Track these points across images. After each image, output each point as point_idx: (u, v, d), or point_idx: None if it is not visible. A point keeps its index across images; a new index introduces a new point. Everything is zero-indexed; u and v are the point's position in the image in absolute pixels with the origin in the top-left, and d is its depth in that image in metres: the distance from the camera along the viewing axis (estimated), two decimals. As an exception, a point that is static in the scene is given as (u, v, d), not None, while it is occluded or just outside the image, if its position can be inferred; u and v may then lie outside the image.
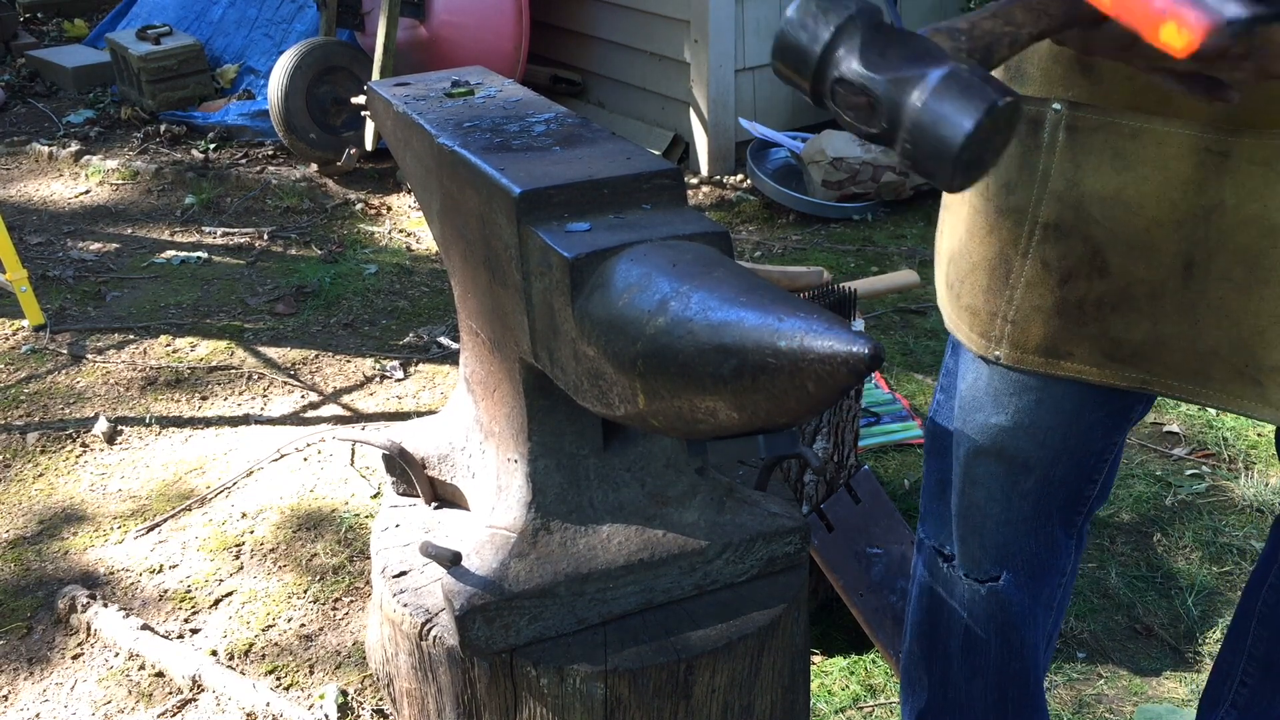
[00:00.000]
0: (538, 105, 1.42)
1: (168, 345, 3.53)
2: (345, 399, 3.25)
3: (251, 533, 2.69)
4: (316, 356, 3.48)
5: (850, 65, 0.92)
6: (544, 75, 5.17)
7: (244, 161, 4.96)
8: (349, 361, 3.45)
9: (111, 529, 2.71)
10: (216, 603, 2.47)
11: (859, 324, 2.50)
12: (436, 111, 1.39)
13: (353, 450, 2.98)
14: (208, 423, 3.15)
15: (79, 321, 3.69)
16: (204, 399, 3.26)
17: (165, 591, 2.50)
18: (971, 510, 1.45)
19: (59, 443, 3.05)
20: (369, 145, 4.71)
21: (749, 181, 4.60)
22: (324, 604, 2.46)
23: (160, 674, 2.25)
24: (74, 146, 5.05)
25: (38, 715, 2.19)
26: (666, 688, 1.22)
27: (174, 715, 2.17)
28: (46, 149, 5.05)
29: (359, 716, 2.17)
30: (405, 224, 4.44)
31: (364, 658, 2.30)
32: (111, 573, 2.56)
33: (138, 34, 5.42)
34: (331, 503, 2.79)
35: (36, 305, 3.61)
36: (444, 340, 3.54)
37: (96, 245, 4.26)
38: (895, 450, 2.93)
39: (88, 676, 2.27)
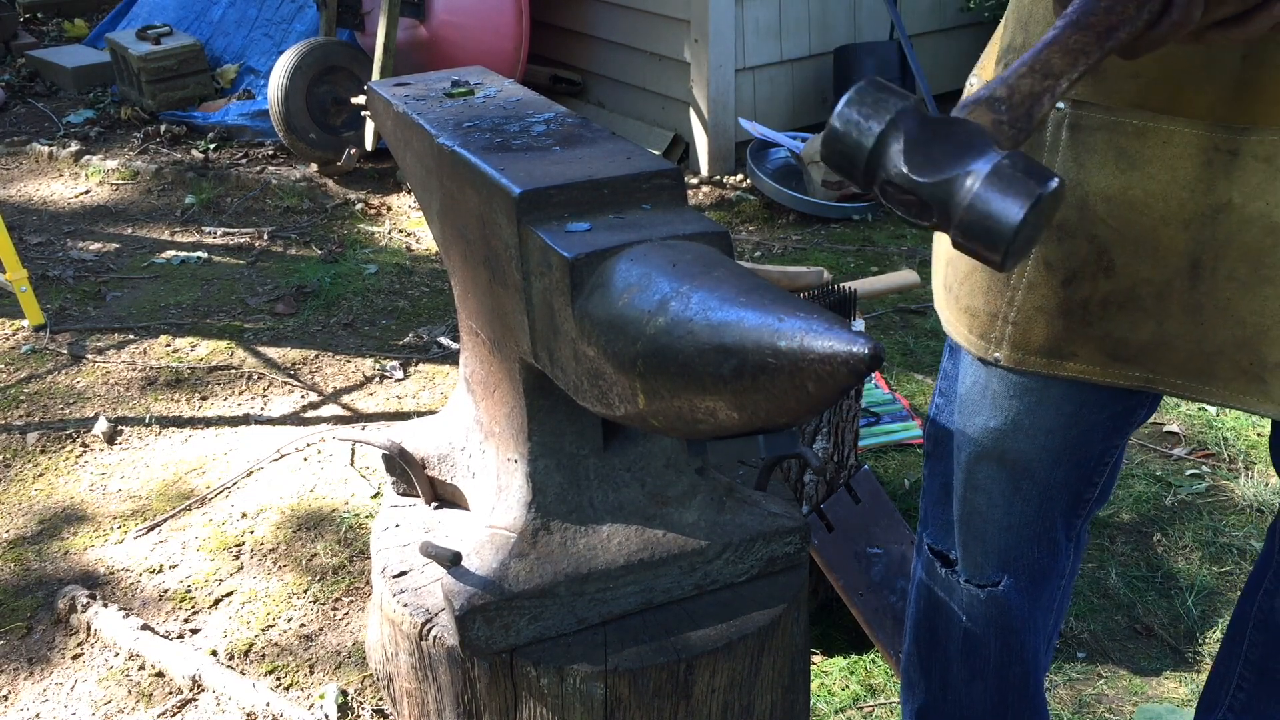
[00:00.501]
0: (538, 105, 1.42)
1: (168, 345, 3.53)
2: (345, 399, 3.25)
3: (251, 533, 2.69)
4: (316, 356, 3.48)
5: (897, 168, 0.94)
6: (544, 75, 5.17)
7: (244, 161, 4.96)
8: (349, 361, 3.45)
9: (111, 529, 2.71)
10: (216, 603, 2.47)
11: (859, 324, 2.50)
12: (436, 111, 1.39)
13: (353, 450, 2.98)
14: (208, 423, 3.15)
15: (79, 321, 3.69)
16: (204, 399, 3.26)
17: (165, 591, 2.50)
18: (973, 516, 1.45)
19: (59, 443, 3.05)
20: (369, 145, 4.71)
21: (749, 181, 4.60)
22: (324, 604, 2.46)
23: (160, 674, 2.25)
24: (74, 146, 5.05)
25: (38, 715, 2.19)
26: (666, 688, 1.22)
27: (174, 715, 2.17)
28: (46, 149, 5.05)
29: (359, 716, 2.17)
30: (405, 224, 4.44)
31: (364, 658, 2.30)
32: (111, 573, 2.56)
33: (138, 34, 5.42)
34: (331, 503, 2.79)
35: (36, 305, 3.61)
36: (444, 340, 3.54)
37: (96, 245, 4.26)
38: (895, 450, 2.93)
39: (88, 676, 2.27)
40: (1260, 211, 1.12)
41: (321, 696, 2.20)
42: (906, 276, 2.87)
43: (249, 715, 2.14)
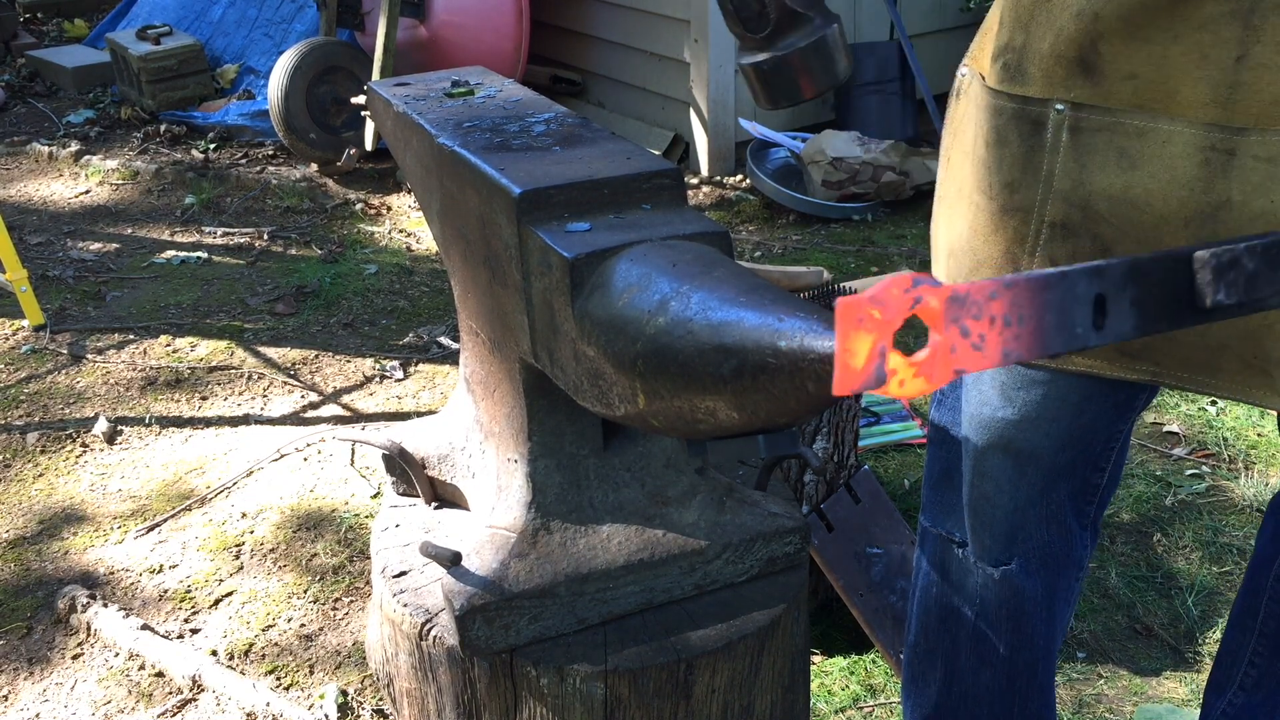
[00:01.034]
0: (538, 105, 1.42)
1: (168, 345, 3.53)
2: (345, 399, 3.25)
3: (251, 533, 2.69)
4: (316, 356, 3.48)
5: None
6: (544, 75, 5.17)
7: (244, 161, 4.96)
8: (349, 361, 3.45)
9: (111, 529, 2.71)
10: (216, 603, 2.47)
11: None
12: (436, 111, 1.39)
13: (353, 450, 2.98)
14: (208, 423, 3.15)
15: (79, 321, 3.69)
16: (204, 399, 3.26)
17: (165, 591, 2.50)
18: (981, 502, 1.46)
19: (59, 443, 3.05)
20: (369, 145, 4.71)
21: (749, 181, 4.60)
22: (324, 604, 2.46)
23: (160, 674, 2.25)
24: (74, 146, 5.05)
25: (38, 715, 2.19)
26: (666, 688, 1.22)
27: (174, 715, 2.17)
28: (46, 149, 5.05)
29: (359, 716, 2.17)
30: (405, 224, 4.44)
31: (364, 658, 2.30)
32: (111, 573, 2.56)
33: (138, 34, 5.42)
34: (331, 503, 2.79)
35: (36, 305, 3.61)
36: (444, 340, 3.54)
37: (96, 245, 4.26)
38: (895, 450, 2.93)
39: (88, 676, 2.27)
40: (1263, 209, 1.12)
41: (321, 696, 2.20)
42: (906, 276, 2.87)
43: (249, 715, 2.14)
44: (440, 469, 1.45)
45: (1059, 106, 1.18)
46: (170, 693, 2.22)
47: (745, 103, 4.75)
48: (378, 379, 3.35)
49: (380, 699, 2.19)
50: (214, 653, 2.32)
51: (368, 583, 2.52)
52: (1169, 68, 1.11)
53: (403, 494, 1.52)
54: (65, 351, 3.50)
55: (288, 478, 2.89)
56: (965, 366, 0.68)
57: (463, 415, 1.43)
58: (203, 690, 2.20)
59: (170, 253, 4.18)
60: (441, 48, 4.73)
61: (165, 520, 2.73)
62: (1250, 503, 2.70)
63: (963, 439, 1.46)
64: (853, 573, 2.22)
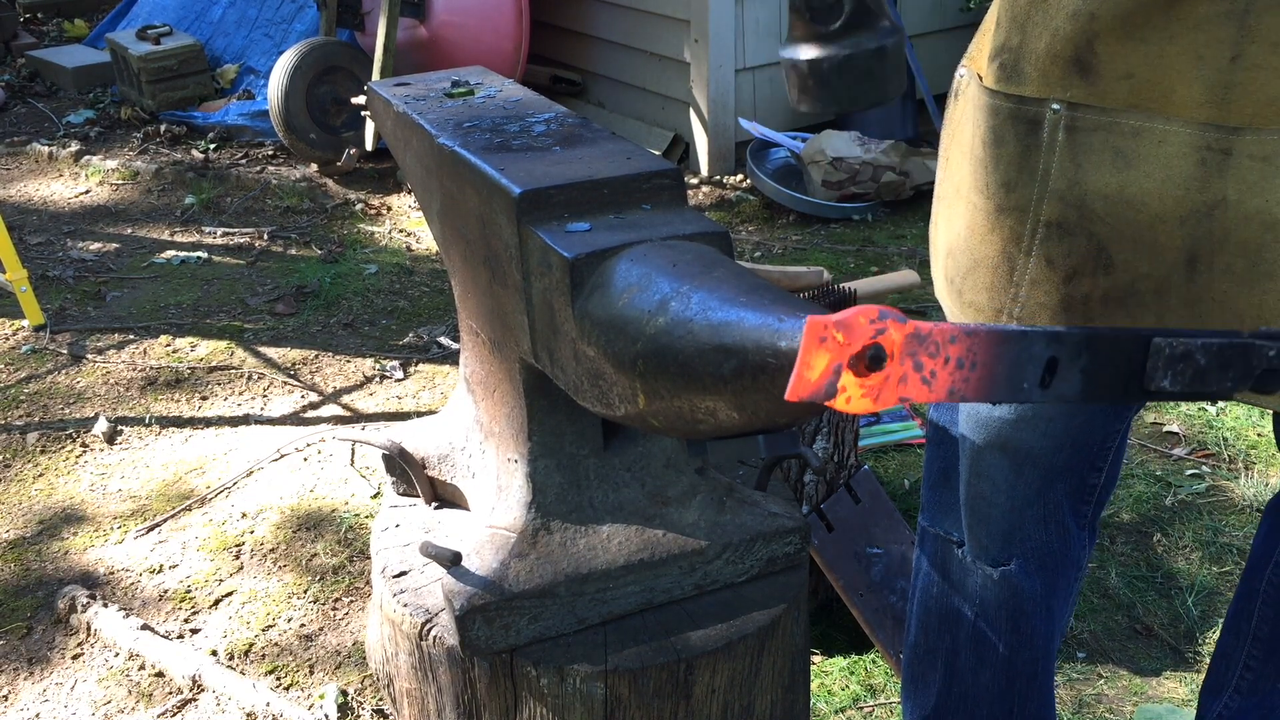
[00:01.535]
0: (538, 105, 1.42)
1: (168, 345, 3.53)
2: (345, 399, 3.25)
3: (251, 533, 2.69)
4: (316, 356, 3.48)
5: None
6: (544, 75, 5.17)
7: (244, 161, 4.96)
8: (349, 361, 3.45)
9: (111, 529, 2.71)
10: (216, 603, 2.47)
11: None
12: (436, 111, 1.39)
13: (353, 450, 2.98)
14: (208, 423, 3.15)
15: (79, 321, 3.69)
16: (204, 399, 3.26)
17: (165, 591, 2.50)
18: (979, 502, 1.47)
19: (59, 443, 3.05)
20: (369, 145, 4.71)
21: (749, 181, 4.60)
22: (324, 604, 2.46)
23: (160, 674, 2.25)
24: (74, 146, 5.05)
25: (38, 715, 2.19)
26: (666, 688, 1.22)
27: (174, 715, 2.17)
28: (46, 149, 5.05)
29: (359, 716, 2.17)
30: (405, 224, 4.44)
31: (364, 658, 2.30)
32: (111, 573, 2.56)
33: (138, 34, 5.42)
34: (331, 503, 2.79)
35: (36, 305, 3.61)
36: (444, 340, 3.54)
37: (96, 245, 4.26)
38: (895, 450, 2.93)
39: (88, 676, 2.27)
40: (1258, 208, 1.13)
41: (321, 696, 2.20)
42: (906, 276, 2.87)
43: (249, 715, 2.14)
44: (440, 469, 1.45)
45: (1055, 106, 1.19)
46: (170, 693, 2.22)
47: (745, 103, 4.76)
48: (378, 379, 3.35)
49: (380, 699, 2.19)
50: (214, 653, 2.32)
51: (368, 583, 2.52)
52: (1165, 67, 1.12)
53: (403, 494, 1.52)
54: (65, 351, 3.50)
55: (288, 478, 2.89)
56: (911, 397, 0.72)
57: (463, 415, 1.43)
58: (203, 690, 2.20)
59: (170, 253, 4.18)
60: (441, 48, 4.73)
61: (165, 520, 2.73)
62: (1250, 503, 2.70)
63: (960, 439, 1.47)
64: (853, 573, 2.22)
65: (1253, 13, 1.06)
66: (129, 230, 4.39)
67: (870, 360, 0.71)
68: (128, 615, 2.38)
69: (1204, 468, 2.85)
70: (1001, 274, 1.29)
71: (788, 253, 4.13)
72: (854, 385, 0.71)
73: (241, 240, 4.28)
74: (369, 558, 1.86)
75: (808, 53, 1.33)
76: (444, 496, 1.49)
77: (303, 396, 3.26)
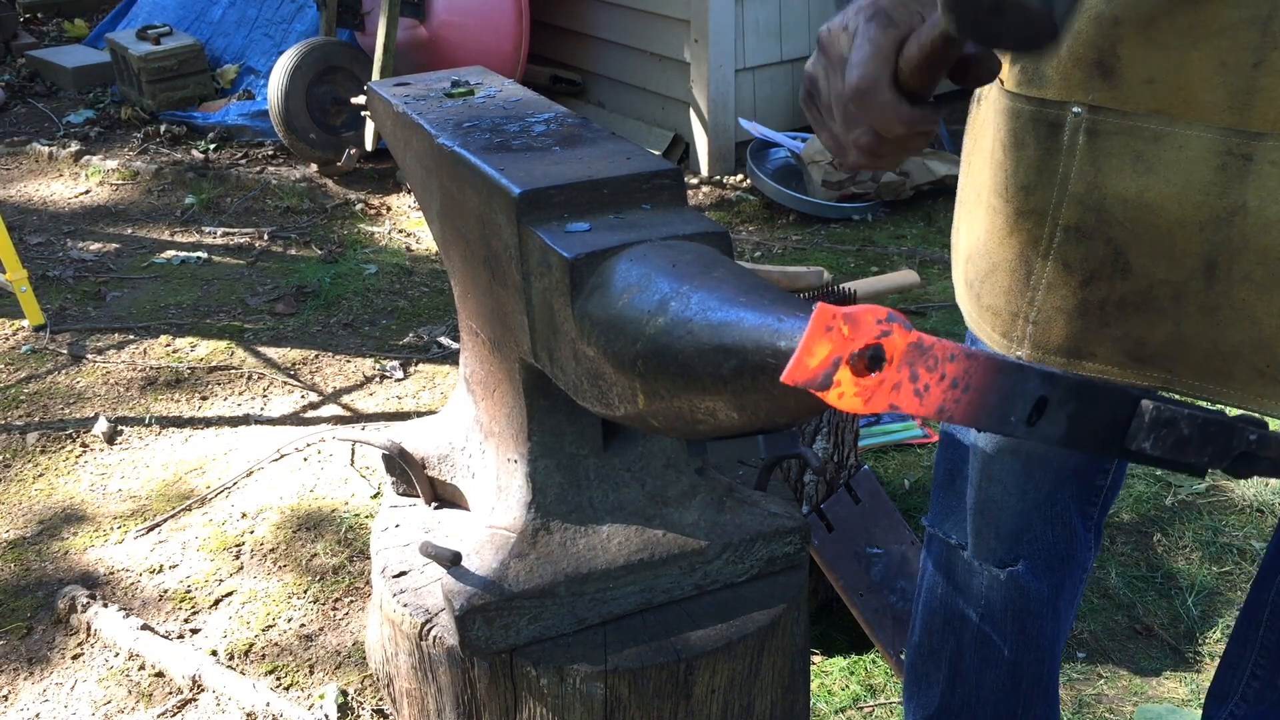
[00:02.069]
0: (538, 105, 1.41)
1: (168, 345, 3.53)
2: (345, 399, 3.25)
3: (251, 533, 2.69)
4: (316, 356, 3.48)
5: None
6: (544, 75, 5.17)
7: (244, 161, 4.96)
8: (349, 361, 3.45)
9: (111, 529, 2.71)
10: (216, 603, 2.47)
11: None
12: (436, 111, 1.39)
13: (353, 450, 2.98)
14: (208, 423, 3.15)
15: (79, 321, 3.69)
16: (204, 399, 3.26)
17: (165, 591, 2.50)
18: (988, 504, 1.47)
19: (59, 443, 3.05)
20: (369, 145, 4.71)
21: (749, 181, 4.60)
22: (324, 604, 2.46)
23: (160, 674, 2.25)
24: (74, 146, 5.05)
25: (38, 715, 2.19)
26: (666, 688, 1.22)
27: (174, 715, 2.17)
28: (46, 149, 5.05)
29: (359, 716, 2.17)
30: (405, 224, 4.44)
31: (364, 658, 2.30)
32: (111, 573, 2.56)
33: (138, 34, 5.42)
34: (331, 503, 2.79)
35: (36, 305, 3.61)
36: (444, 340, 3.54)
37: (96, 245, 4.26)
38: (895, 450, 2.93)
39: (88, 676, 2.27)
40: (1279, 215, 1.12)
41: (321, 696, 2.20)
42: (906, 276, 2.87)
43: (249, 715, 2.14)
44: (440, 469, 1.45)
45: (1076, 109, 1.18)
46: (170, 693, 2.22)
47: (745, 103, 4.76)
48: (378, 379, 3.35)
49: (380, 699, 2.19)
50: (214, 653, 2.32)
51: (368, 583, 2.52)
52: (1187, 72, 1.11)
53: (403, 494, 1.52)
54: (65, 351, 3.50)
55: (288, 478, 2.89)
56: (901, 406, 0.72)
57: (463, 415, 1.43)
58: (203, 690, 2.20)
59: (170, 253, 4.18)
60: (441, 48, 4.73)
61: (165, 520, 2.73)
62: (1250, 503, 2.70)
63: (970, 444, 1.47)
64: (853, 573, 2.22)
65: (1276, 19, 1.05)
66: (129, 230, 4.39)
67: (870, 360, 0.71)
68: (128, 615, 2.38)
69: (1204, 468, 2.85)
70: (1019, 277, 1.29)
71: (788, 253, 4.13)
72: (849, 382, 0.71)
73: (241, 240, 4.28)
74: (369, 558, 1.86)
75: None
76: (444, 496, 1.49)
77: (303, 396, 3.26)
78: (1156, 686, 2.21)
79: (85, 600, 2.41)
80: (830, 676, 2.22)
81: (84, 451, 3.02)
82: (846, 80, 0.90)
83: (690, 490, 1.30)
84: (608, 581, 1.25)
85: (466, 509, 1.45)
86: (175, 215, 4.51)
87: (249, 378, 3.36)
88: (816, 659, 2.27)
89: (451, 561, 1.23)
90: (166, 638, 2.34)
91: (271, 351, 3.50)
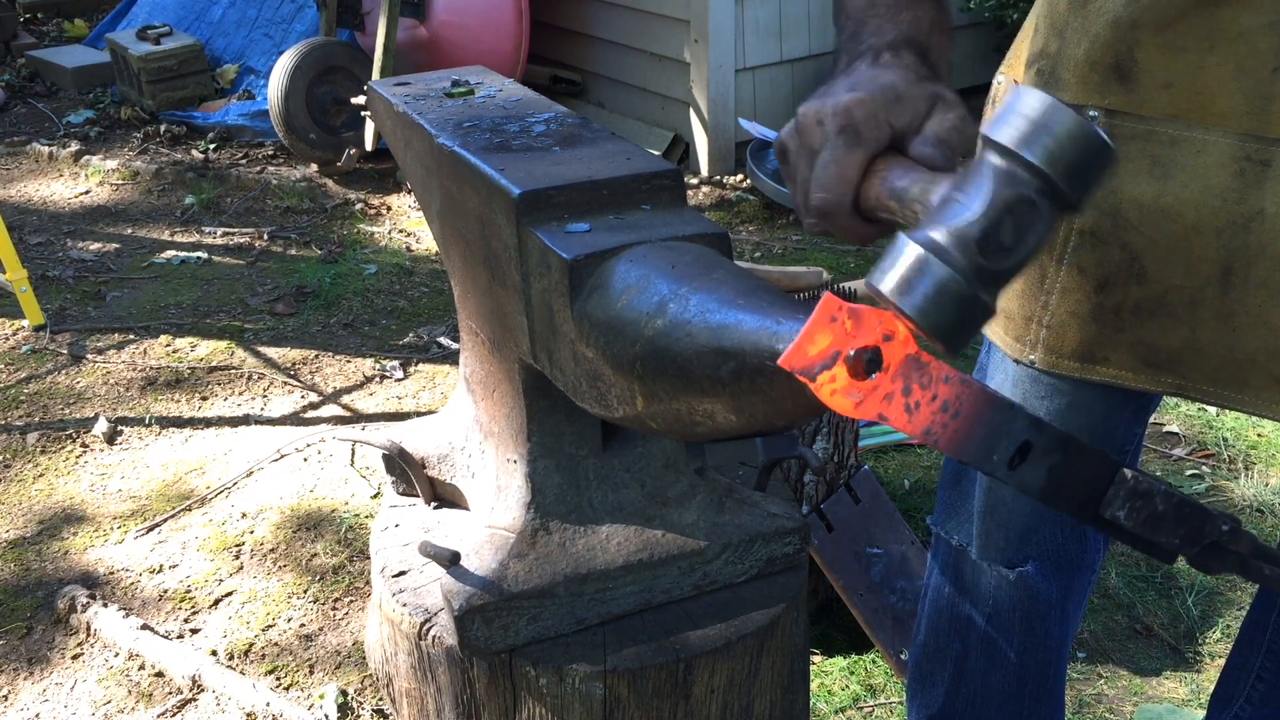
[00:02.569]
0: (538, 105, 1.41)
1: (168, 345, 3.53)
2: (345, 399, 3.25)
3: (251, 533, 2.69)
4: (316, 356, 3.48)
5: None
6: (544, 75, 5.17)
7: (244, 161, 4.96)
8: (349, 361, 3.45)
9: (111, 529, 2.71)
10: (216, 603, 2.47)
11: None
12: (436, 111, 1.39)
13: (353, 450, 2.98)
14: (208, 423, 3.15)
15: (79, 321, 3.69)
16: (204, 399, 3.26)
17: (165, 591, 2.50)
18: (998, 506, 1.46)
19: (59, 443, 3.05)
20: (369, 145, 4.71)
21: (749, 182, 4.60)
22: (324, 604, 2.46)
23: (160, 674, 2.26)
24: (74, 146, 5.05)
25: (38, 715, 2.19)
26: (666, 688, 1.22)
27: (174, 715, 2.17)
28: (46, 149, 5.05)
29: (359, 716, 2.17)
30: (405, 224, 4.44)
31: (364, 658, 2.30)
32: (111, 573, 2.56)
33: (138, 34, 5.42)
34: (331, 503, 2.79)
35: (36, 305, 3.61)
36: (444, 340, 3.54)
37: (96, 245, 4.26)
38: (895, 450, 2.93)
39: (88, 676, 2.27)
40: None
41: (321, 696, 2.20)
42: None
43: (249, 715, 2.14)
44: (440, 469, 1.45)
45: (1093, 113, 1.18)
46: (170, 693, 2.22)
47: (745, 103, 4.76)
48: (378, 379, 3.35)
49: (380, 699, 2.20)
50: (214, 653, 2.32)
51: (368, 583, 2.52)
52: (1205, 77, 1.11)
53: (403, 494, 1.52)
54: (65, 351, 3.50)
55: (288, 478, 2.89)
56: (889, 418, 0.72)
57: (463, 415, 1.43)
58: (203, 690, 2.20)
59: (170, 253, 4.18)
60: (441, 48, 4.73)
61: (165, 520, 2.73)
62: (1250, 503, 2.70)
63: None
64: (853, 573, 2.22)
65: None
66: (129, 230, 4.39)
67: (868, 363, 0.71)
68: (128, 615, 2.38)
69: (1204, 468, 2.85)
70: (1033, 281, 1.28)
71: (788, 253, 4.13)
72: (844, 380, 0.71)
73: (241, 240, 4.28)
74: (369, 558, 1.86)
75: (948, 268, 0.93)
76: (444, 496, 1.49)
77: (303, 396, 3.26)
78: (1156, 686, 2.21)
79: (85, 600, 2.41)
80: (830, 676, 2.22)
81: (84, 451, 3.02)
82: (811, 197, 0.93)
83: (689, 491, 1.30)
84: (607, 582, 1.25)
85: (466, 509, 1.45)
86: (175, 215, 4.51)
87: (249, 378, 3.36)
88: (816, 659, 2.27)
89: (451, 561, 1.23)
90: (166, 638, 2.34)
91: (271, 351, 3.50)
